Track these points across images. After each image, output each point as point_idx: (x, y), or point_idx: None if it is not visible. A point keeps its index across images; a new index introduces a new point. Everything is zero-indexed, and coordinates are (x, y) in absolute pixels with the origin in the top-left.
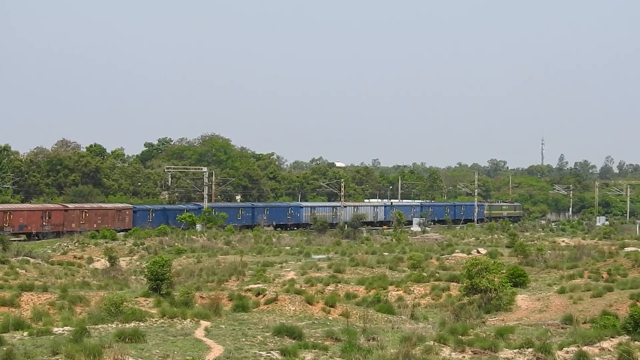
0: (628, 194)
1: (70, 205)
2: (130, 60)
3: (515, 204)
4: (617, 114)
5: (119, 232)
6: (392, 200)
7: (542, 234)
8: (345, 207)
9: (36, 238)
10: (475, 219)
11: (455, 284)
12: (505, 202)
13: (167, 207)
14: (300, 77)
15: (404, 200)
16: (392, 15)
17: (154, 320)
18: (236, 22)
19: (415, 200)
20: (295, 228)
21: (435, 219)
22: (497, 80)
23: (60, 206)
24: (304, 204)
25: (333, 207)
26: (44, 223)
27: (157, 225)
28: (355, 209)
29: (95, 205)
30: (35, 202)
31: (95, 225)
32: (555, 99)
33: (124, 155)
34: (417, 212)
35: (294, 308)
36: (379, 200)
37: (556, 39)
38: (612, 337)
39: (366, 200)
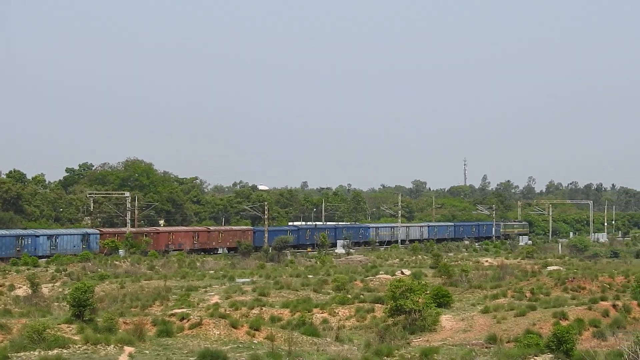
0: (550, 214)
1: (212, 228)
2: (49, 83)
3: (524, 222)
4: (539, 134)
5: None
6: (315, 223)
7: (466, 254)
8: (401, 227)
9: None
10: (399, 241)
11: (380, 305)
12: (517, 222)
13: (278, 229)
14: (222, 100)
15: (440, 222)
16: (316, 33)
17: (77, 347)
18: (155, 49)
19: (449, 222)
20: (365, 245)
21: (466, 236)
22: (418, 101)
23: (205, 228)
24: (371, 224)
25: (391, 227)
26: (195, 242)
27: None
28: (407, 229)
29: (228, 227)
30: None
31: (227, 243)
32: (478, 119)
33: (45, 181)
34: (452, 232)
35: (218, 332)
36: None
37: (479, 61)
38: (536, 356)
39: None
